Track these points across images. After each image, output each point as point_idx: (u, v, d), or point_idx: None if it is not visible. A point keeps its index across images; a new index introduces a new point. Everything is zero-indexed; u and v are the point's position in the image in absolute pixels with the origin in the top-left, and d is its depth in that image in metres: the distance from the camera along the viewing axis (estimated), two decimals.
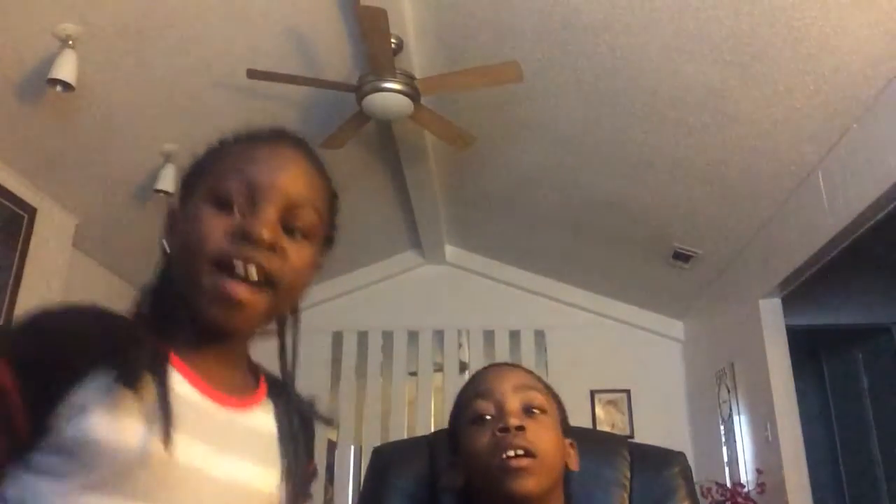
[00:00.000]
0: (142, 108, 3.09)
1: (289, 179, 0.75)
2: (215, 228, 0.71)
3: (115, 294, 4.07)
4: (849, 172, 2.71)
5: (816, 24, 2.31)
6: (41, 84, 2.64)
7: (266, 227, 0.71)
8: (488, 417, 1.03)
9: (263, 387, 0.83)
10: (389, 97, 2.83)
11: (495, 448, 0.99)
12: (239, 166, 0.75)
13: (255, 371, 0.84)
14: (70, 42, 2.55)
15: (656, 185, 3.51)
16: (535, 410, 1.04)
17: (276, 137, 0.81)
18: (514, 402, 1.03)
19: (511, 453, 0.98)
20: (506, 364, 1.17)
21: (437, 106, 3.17)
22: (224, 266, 0.70)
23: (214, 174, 0.75)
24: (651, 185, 3.53)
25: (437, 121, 3.12)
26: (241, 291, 0.70)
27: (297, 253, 0.74)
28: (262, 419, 0.80)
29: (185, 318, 0.72)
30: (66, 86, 2.52)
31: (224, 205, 0.73)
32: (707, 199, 3.46)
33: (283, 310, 0.80)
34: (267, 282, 0.72)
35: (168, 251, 0.78)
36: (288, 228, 0.74)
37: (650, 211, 3.77)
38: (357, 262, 5.16)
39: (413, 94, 2.87)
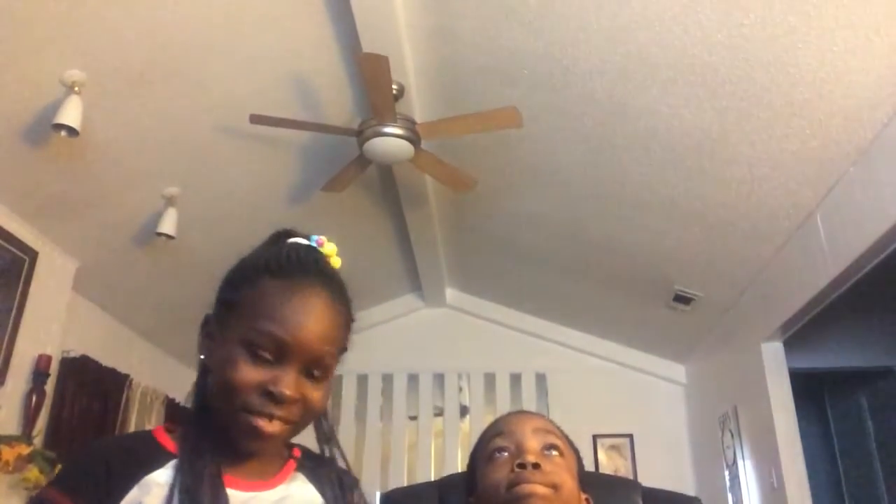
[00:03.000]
0: (145, 152, 3.12)
1: (315, 336, 0.84)
2: (247, 380, 0.81)
3: (114, 338, 4.05)
4: (847, 215, 2.72)
5: (811, 70, 2.35)
6: (46, 129, 2.67)
7: (290, 387, 0.82)
8: (506, 454, 1.04)
9: (292, 462, 0.93)
10: (390, 142, 2.86)
11: (512, 482, 1.00)
12: (271, 325, 0.82)
13: (288, 447, 0.94)
14: (76, 88, 2.58)
15: (656, 227, 3.53)
16: (553, 451, 1.05)
17: (309, 280, 0.88)
18: (533, 442, 1.05)
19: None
20: (527, 411, 1.19)
21: (438, 150, 3.20)
22: (250, 411, 0.81)
23: (250, 320, 0.83)
24: (650, 227, 3.55)
25: (438, 165, 3.15)
26: (267, 428, 0.82)
27: (316, 394, 0.85)
28: (293, 490, 0.90)
29: (223, 439, 0.83)
30: (71, 131, 2.55)
31: (257, 355, 0.82)
32: (707, 242, 3.47)
33: (307, 425, 0.90)
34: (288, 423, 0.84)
35: (206, 363, 0.88)
36: (309, 373, 0.84)
37: (650, 253, 3.78)
38: (357, 305, 5.10)
39: (414, 138, 2.91)
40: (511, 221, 4.06)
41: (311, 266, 0.89)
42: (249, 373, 0.81)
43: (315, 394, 0.85)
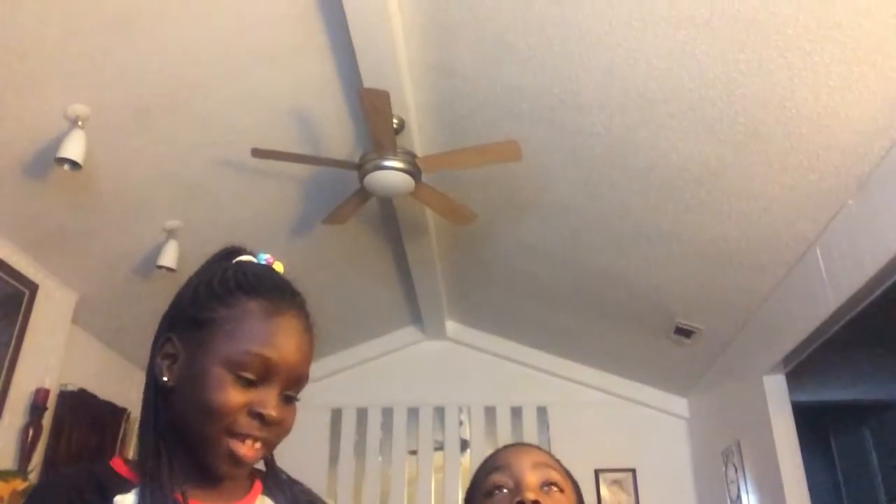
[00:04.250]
0: (146, 185, 3.14)
1: (296, 360, 0.85)
2: (234, 402, 0.80)
3: (112, 371, 4.03)
4: (846, 247, 2.73)
5: (807, 105, 2.37)
6: (48, 162, 2.69)
7: (275, 408, 0.82)
8: (505, 490, 1.03)
9: (258, 484, 0.91)
10: (391, 175, 2.87)
11: None
12: (259, 347, 0.82)
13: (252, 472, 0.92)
14: (80, 122, 2.61)
15: (656, 259, 3.53)
16: (552, 487, 1.03)
17: (286, 301, 0.88)
18: (531, 478, 1.03)
19: None
20: (525, 443, 1.17)
21: (439, 183, 3.22)
22: (234, 434, 0.81)
23: (233, 342, 0.82)
24: (651, 259, 3.55)
25: (438, 198, 3.16)
26: (248, 453, 0.82)
27: (291, 416, 0.86)
28: None
29: (189, 462, 0.82)
30: (74, 164, 2.57)
31: (243, 378, 0.81)
32: (707, 274, 3.47)
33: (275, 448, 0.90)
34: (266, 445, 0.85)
35: (167, 385, 0.85)
36: (286, 395, 0.85)
37: (650, 286, 3.78)
38: (357, 338, 5.13)
39: (414, 171, 2.92)
40: (511, 254, 4.06)
41: (285, 287, 0.90)
42: (236, 395, 0.80)
43: (290, 416, 0.85)
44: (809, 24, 2.12)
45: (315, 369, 0.93)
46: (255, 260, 0.94)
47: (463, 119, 3.11)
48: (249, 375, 0.81)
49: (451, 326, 5.30)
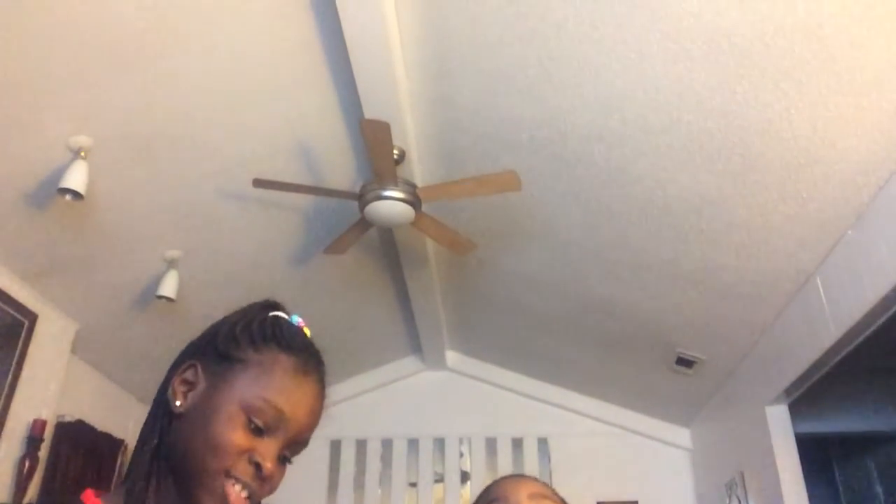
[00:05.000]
0: (147, 215, 3.15)
1: (312, 420, 0.88)
2: (240, 445, 0.81)
3: (110, 401, 4.01)
4: (847, 278, 2.73)
5: (804, 136, 2.39)
6: (50, 192, 2.71)
7: (273, 462, 0.83)
8: None
9: None
10: (391, 205, 2.89)
11: None
12: (282, 401, 0.84)
13: None
14: (82, 153, 2.63)
15: (656, 290, 3.53)
16: None
17: (313, 363, 0.90)
18: None
19: None
20: (522, 475, 1.16)
21: (439, 212, 3.23)
22: (230, 476, 0.81)
23: (257, 387, 0.84)
24: (651, 290, 3.55)
25: (438, 227, 3.17)
26: (236, 500, 0.81)
27: (280, 475, 0.86)
28: None
29: (175, 496, 0.82)
30: (76, 195, 2.58)
31: (251, 422, 0.82)
32: (707, 304, 3.46)
33: None
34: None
35: (177, 410, 0.85)
36: (283, 455, 0.86)
37: (651, 316, 3.77)
38: (356, 368, 5.11)
39: (414, 201, 2.94)
40: (512, 284, 4.06)
41: (315, 352, 0.92)
42: (244, 438, 0.81)
43: (280, 475, 0.85)
44: (805, 57, 2.15)
45: None
46: (288, 318, 0.96)
47: (463, 150, 3.14)
48: (260, 423, 0.82)
49: (452, 357, 5.27)
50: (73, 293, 3.42)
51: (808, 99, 2.27)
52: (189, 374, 0.87)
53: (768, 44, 2.15)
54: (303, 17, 2.48)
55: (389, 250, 3.88)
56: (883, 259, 2.47)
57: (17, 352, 3.20)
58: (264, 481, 0.82)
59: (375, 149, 2.64)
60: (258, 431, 0.82)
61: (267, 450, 0.82)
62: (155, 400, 0.88)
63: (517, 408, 5.12)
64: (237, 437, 0.80)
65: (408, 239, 3.55)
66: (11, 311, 3.16)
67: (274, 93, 2.77)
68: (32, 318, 3.28)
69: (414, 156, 3.14)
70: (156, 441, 0.84)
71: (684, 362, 4.02)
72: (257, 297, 0.98)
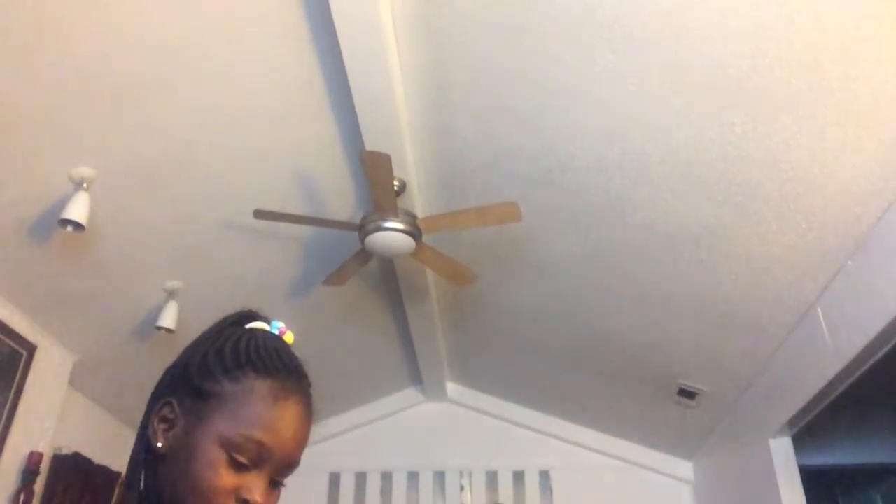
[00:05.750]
0: (148, 246, 3.15)
1: (298, 446, 0.85)
2: (225, 486, 0.78)
3: (107, 434, 3.97)
4: (848, 308, 2.72)
5: (803, 166, 2.40)
6: (51, 223, 2.72)
7: (263, 495, 0.80)
8: None
9: None
10: (391, 236, 2.89)
11: None
12: (261, 433, 0.81)
13: None
14: (84, 185, 2.64)
15: (657, 320, 3.52)
16: None
17: (293, 383, 0.86)
18: None
19: None
20: None
21: (439, 243, 3.24)
22: None
23: (234, 422, 0.80)
24: (651, 320, 3.54)
25: (439, 258, 3.17)
26: None
27: (274, 501, 0.84)
28: None
29: None
30: (77, 226, 2.59)
31: (234, 458, 0.79)
32: (708, 335, 3.45)
33: None
34: None
35: (159, 451, 0.82)
36: (274, 481, 0.84)
37: (652, 347, 3.75)
38: (356, 400, 5.07)
39: (415, 232, 2.94)
40: (512, 314, 4.05)
41: (294, 366, 0.88)
42: (228, 478, 0.78)
43: (274, 502, 0.84)
44: (802, 89, 2.17)
45: (312, 433, 0.91)
46: (268, 328, 0.92)
47: (463, 181, 3.15)
48: (244, 460, 0.79)
49: (452, 388, 5.24)
50: (71, 325, 3.41)
51: (805, 130, 2.29)
52: (166, 412, 0.84)
53: (765, 76, 2.17)
54: (305, 50, 2.51)
55: (390, 281, 3.87)
56: (884, 289, 2.46)
57: (15, 384, 3.18)
58: None
59: (376, 180, 2.65)
60: (242, 467, 0.79)
61: (255, 484, 0.80)
62: (137, 437, 0.85)
63: (518, 440, 5.07)
64: (220, 478, 0.78)
65: (408, 270, 3.55)
66: (10, 343, 3.14)
67: (275, 124, 2.80)
68: (31, 349, 3.26)
69: (414, 187, 3.15)
70: (139, 482, 0.81)
71: (686, 394, 3.99)
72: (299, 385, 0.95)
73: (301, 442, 0.85)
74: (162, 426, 0.83)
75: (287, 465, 0.84)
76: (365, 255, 3.10)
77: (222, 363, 0.84)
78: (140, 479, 0.82)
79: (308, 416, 0.88)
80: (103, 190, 2.74)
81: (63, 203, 2.62)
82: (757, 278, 2.96)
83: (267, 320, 0.94)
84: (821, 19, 1.98)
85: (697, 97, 2.32)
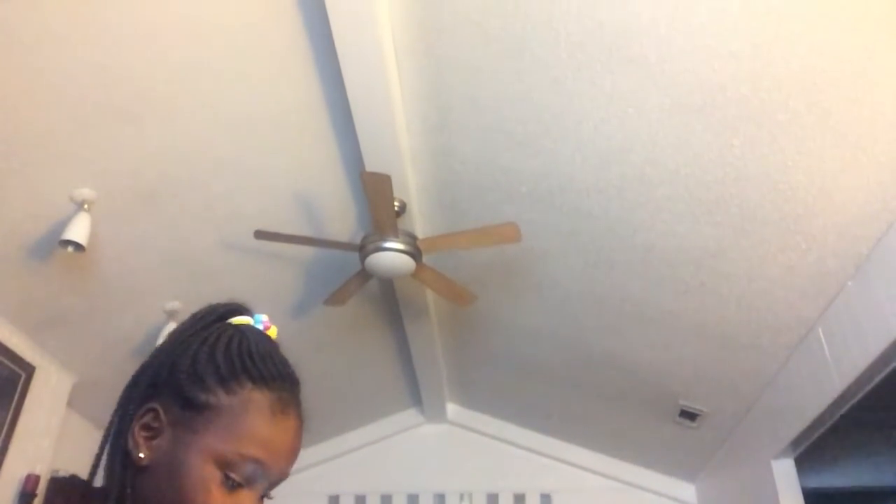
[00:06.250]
0: (148, 267, 3.15)
1: (289, 462, 0.79)
2: None
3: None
4: (849, 329, 2.71)
5: (801, 187, 2.41)
6: (52, 244, 2.72)
7: None
8: None
9: None
10: (392, 257, 2.89)
11: None
12: (258, 450, 0.75)
13: None
14: (86, 206, 2.65)
15: (657, 341, 3.51)
16: None
17: (288, 393, 0.81)
18: None
19: None
20: None
21: (439, 264, 3.24)
22: None
23: (229, 438, 0.75)
24: (652, 341, 3.53)
25: (439, 279, 3.17)
26: None
27: None
28: None
29: None
30: (78, 246, 2.59)
31: (228, 476, 0.74)
32: (709, 356, 3.44)
33: None
34: None
35: (140, 462, 0.75)
36: (265, 495, 0.79)
37: (653, 368, 3.74)
38: (355, 422, 5.04)
39: (415, 253, 2.94)
40: (512, 335, 4.04)
41: (287, 373, 0.83)
42: (221, 498, 0.73)
43: None
44: (800, 111, 2.18)
45: (311, 455, 0.90)
46: (252, 322, 0.87)
47: (463, 201, 3.16)
48: (239, 479, 0.74)
49: (452, 409, 5.21)
50: (71, 346, 3.40)
51: (804, 152, 2.30)
52: (149, 419, 0.77)
53: (764, 98, 2.19)
54: (306, 73, 2.53)
55: (390, 301, 3.87)
56: (884, 310, 2.46)
57: (13, 405, 3.16)
58: None
59: (376, 201, 2.66)
60: (236, 486, 0.74)
61: (248, 503, 0.75)
62: (111, 445, 0.78)
63: (520, 462, 5.03)
64: (213, 499, 0.72)
65: (408, 290, 3.55)
66: (8, 364, 3.13)
67: (276, 146, 2.81)
68: (30, 370, 3.25)
69: (414, 207, 3.16)
70: (117, 498, 0.75)
71: (688, 415, 3.97)
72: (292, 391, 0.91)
73: (295, 456, 0.80)
74: (144, 434, 0.77)
75: (280, 480, 0.79)
76: (365, 275, 3.10)
77: (216, 371, 0.78)
78: (118, 497, 0.75)
79: (301, 426, 0.83)
80: (104, 211, 2.75)
81: (64, 224, 2.62)
82: (757, 299, 2.96)
83: (250, 312, 0.89)
84: (818, 43, 2.00)
85: (696, 119, 2.33)
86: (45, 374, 3.35)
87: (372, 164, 2.75)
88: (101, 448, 0.79)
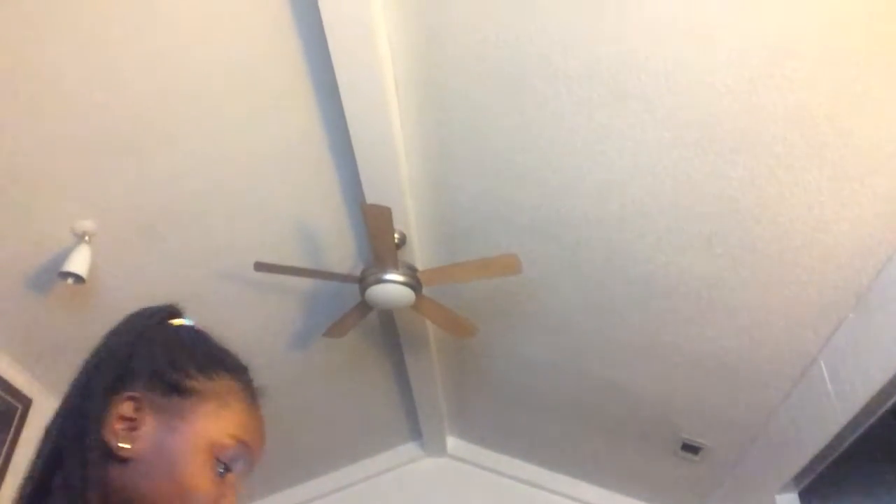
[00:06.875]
0: (148, 299, 3.13)
1: (262, 450, 0.80)
2: (211, 495, 0.72)
3: None
4: (851, 361, 2.70)
5: (800, 219, 2.42)
6: (52, 276, 2.72)
7: (235, 500, 0.75)
8: None
9: None
10: (392, 288, 2.89)
11: None
12: (246, 435, 0.77)
13: None
14: (86, 238, 2.65)
15: (659, 373, 3.49)
16: None
17: (255, 386, 0.84)
18: None
19: None
20: None
21: (439, 295, 3.23)
22: None
23: (218, 420, 0.75)
24: (653, 373, 3.51)
25: (440, 311, 3.17)
26: None
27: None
28: None
29: None
30: (78, 278, 2.59)
31: (220, 464, 0.74)
32: (711, 389, 3.42)
33: None
34: None
35: (121, 454, 0.71)
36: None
37: (654, 400, 3.71)
38: (353, 456, 4.98)
39: (415, 285, 2.94)
40: (513, 367, 4.02)
41: (246, 368, 0.86)
42: (215, 486, 0.72)
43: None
44: (797, 143, 2.20)
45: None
46: (192, 324, 0.87)
47: (463, 233, 3.17)
48: (227, 462, 0.74)
49: (453, 443, 5.15)
50: (68, 378, 3.37)
51: (801, 184, 2.31)
52: (125, 409, 0.73)
53: (760, 131, 2.21)
54: (307, 105, 2.56)
55: (389, 333, 3.86)
56: (886, 342, 2.45)
57: (9, 438, 3.14)
58: None
59: (376, 232, 2.67)
60: (224, 472, 0.74)
61: (231, 490, 0.74)
62: (76, 444, 0.71)
63: (521, 497, 4.96)
64: (211, 485, 0.71)
65: (408, 322, 3.54)
66: (5, 396, 3.11)
67: (276, 178, 2.83)
68: (26, 403, 3.23)
69: (415, 239, 3.16)
70: (99, 497, 0.68)
71: (690, 448, 3.93)
72: (256, 380, 0.92)
73: (265, 445, 0.81)
74: (122, 426, 0.72)
75: (252, 469, 0.79)
76: (365, 307, 3.09)
77: (195, 360, 0.78)
78: (100, 496, 0.68)
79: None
80: (104, 242, 2.75)
81: (64, 256, 2.63)
82: (758, 331, 2.95)
83: (184, 315, 0.89)
84: (814, 76, 2.02)
85: (694, 152, 2.35)
86: (42, 406, 3.32)
87: (372, 196, 2.77)
88: (43, 456, 0.74)
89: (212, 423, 0.74)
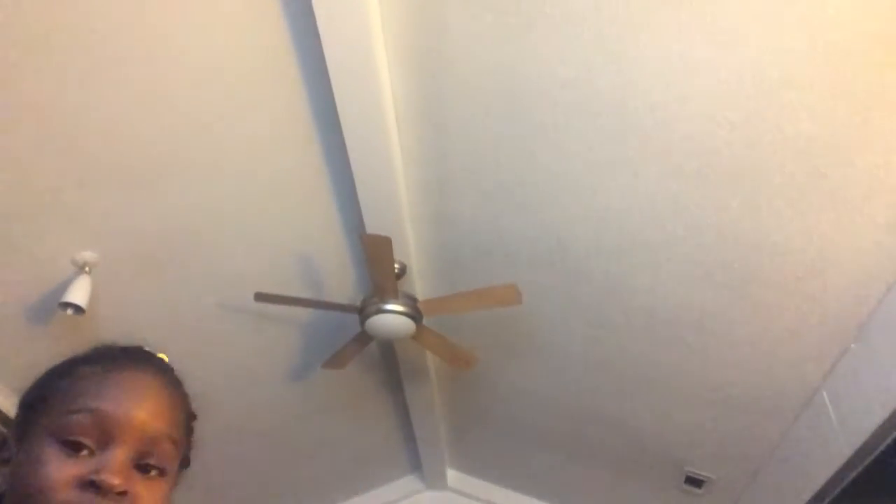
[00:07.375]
0: (146, 328, 3.14)
1: (145, 415, 0.72)
2: (62, 475, 0.66)
3: None
4: (854, 392, 2.68)
5: (800, 249, 2.42)
6: (53, 306, 2.71)
7: (118, 474, 0.68)
8: None
9: None
10: (392, 319, 2.88)
11: None
12: (90, 400, 0.71)
13: None
14: (87, 269, 2.65)
15: (661, 405, 3.46)
16: None
17: (132, 362, 0.78)
18: None
19: None
20: None
21: (440, 325, 3.22)
22: None
23: (61, 408, 0.71)
24: (654, 405, 3.48)
25: (439, 342, 3.15)
26: None
27: (150, 493, 0.71)
28: None
29: None
30: (78, 309, 2.58)
31: (72, 445, 0.69)
32: (713, 420, 3.39)
33: None
34: None
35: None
36: (141, 465, 0.72)
37: (656, 433, 3.67)
38: (352, 490, 4.92)
39: (415, 315, 2.93)
40: (514, 398, 3.99)
41: (135, 353, 0.81)
42: (65, 467, 0.67)
43: (148, 492, 0.70)
44: (795, 174, 2.21)
45: None
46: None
47: (463, 263, 3.17)
48: (79, 438, 0.68)
49: (453, 475, 5.09)
50: None
51: (800, 214, 2.32)
52: (2, 452, 0.75)
53: (758, 163, 2.22)
54: (308, 136, 2.58)
55: (390, 364, 3.83)
56: (889, 372, 2.43)
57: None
58: (117, 499, 0.67)
59: (376, 263, 2.67)
60: (82, 449, 0.68)
61: (106, 464, 0.67)
62: None
63: None
64: (56, 469, 0.66)
65: (408, 352, 3.52)
66: (2, 429, 3.08)
67: (277, 208, 2.84)
68: None
69: (415, 269, 3.16)
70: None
71: (693, 482, 3.88)
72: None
73: (154, 410, 0.73)
74: (2, 468, 0.72)
75: (145, 440, 0.71)
76: (365, 337, 3.08)
77: (52, 371, 0.78)
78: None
79: (163, 388, 0.77)
80: (104, 274, 2.75)
81: (64, 286, 2.62)
82: (760, 362, 2.93)
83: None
84: (812, 107, 2.04)
85: (694, 183, 2.36)
86: None
87: (372, 226, 2.77)
88: None
89: (54, 412, 0.72)
